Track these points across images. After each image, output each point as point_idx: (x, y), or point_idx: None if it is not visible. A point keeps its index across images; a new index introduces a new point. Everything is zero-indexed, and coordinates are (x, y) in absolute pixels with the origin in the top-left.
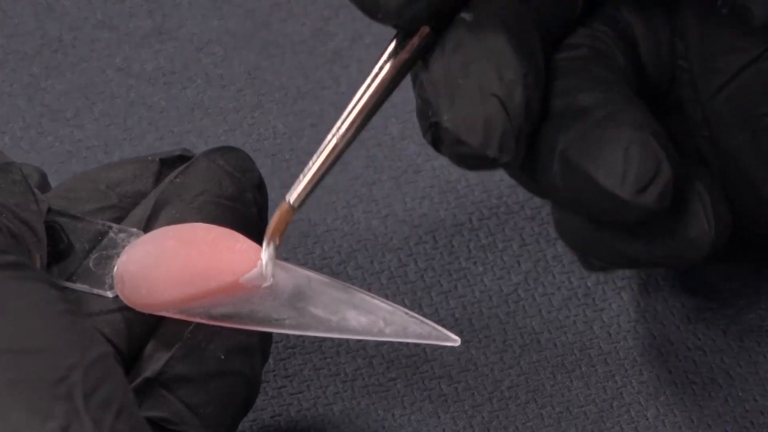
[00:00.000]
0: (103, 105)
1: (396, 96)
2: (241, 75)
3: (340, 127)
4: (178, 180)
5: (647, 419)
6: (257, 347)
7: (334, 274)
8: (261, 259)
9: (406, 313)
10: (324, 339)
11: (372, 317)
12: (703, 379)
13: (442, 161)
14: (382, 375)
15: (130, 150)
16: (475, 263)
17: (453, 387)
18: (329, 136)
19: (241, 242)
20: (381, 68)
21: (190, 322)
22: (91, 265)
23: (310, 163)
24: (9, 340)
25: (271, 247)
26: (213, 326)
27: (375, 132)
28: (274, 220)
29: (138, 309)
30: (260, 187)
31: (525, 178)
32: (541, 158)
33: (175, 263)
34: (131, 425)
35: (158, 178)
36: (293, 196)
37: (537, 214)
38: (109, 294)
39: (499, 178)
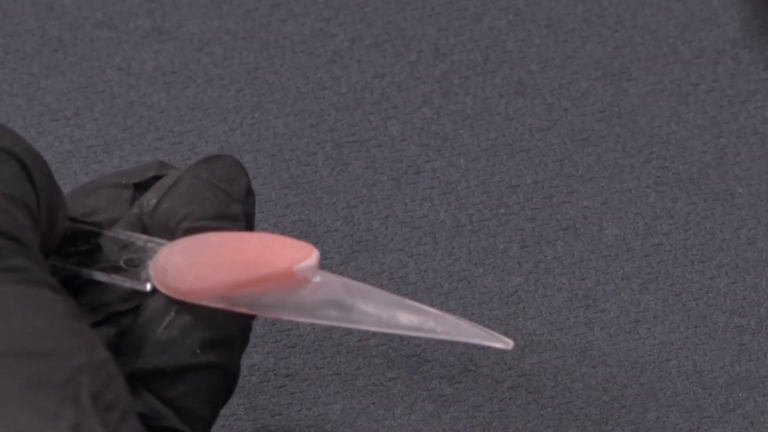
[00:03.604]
0: (103, 105)
1: (396, 96)
2: (241, 75)
3: None
4: (163, 205)
5: (647, 420)
6: (236, 338)
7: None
8: (315, 252)
9: (456, 317)
10: (324, 338)
11: (422, 318)
12: (703, 380)
13: (442, 162)
14: (382, 375)
15: (130, 150)
16: (475, 265)
17: (454, 387)
18: None
19: (292, 239)
20: None
21: (163, 319)
22: (122, 263)
23: None
24: (15, 343)
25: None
26: (189, 321)
27: (375, 133)
28: None
29: (179, 297)
30: (248, 194)
31: None
32: None
33: (225, 251)
34: (135, 430)
35: (133, 202)
36: None
37: (537, 215)
38: (147, 287)
39: (500, 178)
